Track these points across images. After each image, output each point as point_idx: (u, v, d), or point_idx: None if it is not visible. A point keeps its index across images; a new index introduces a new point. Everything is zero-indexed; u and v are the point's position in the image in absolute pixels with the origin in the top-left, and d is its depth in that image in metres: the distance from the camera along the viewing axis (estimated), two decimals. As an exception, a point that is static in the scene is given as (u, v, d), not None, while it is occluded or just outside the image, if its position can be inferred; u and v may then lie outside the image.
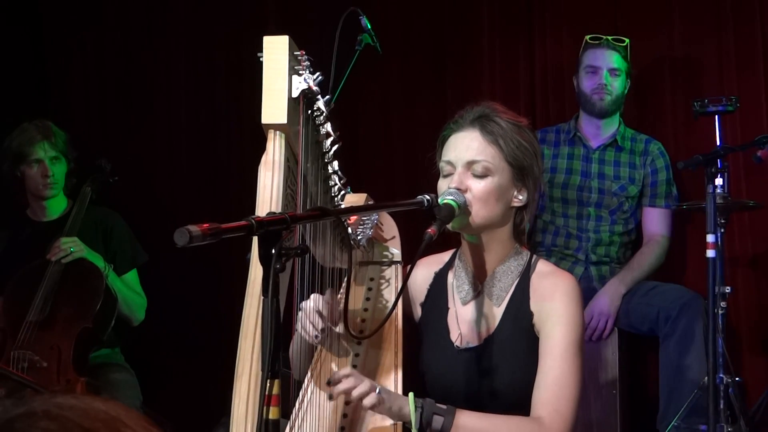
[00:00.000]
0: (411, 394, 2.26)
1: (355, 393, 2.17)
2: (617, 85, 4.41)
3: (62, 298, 4.05)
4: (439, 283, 2.62)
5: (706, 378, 3.73)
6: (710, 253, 3.75)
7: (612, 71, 4.39)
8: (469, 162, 2.41)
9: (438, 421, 2.24)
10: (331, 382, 2.20)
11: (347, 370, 2.23)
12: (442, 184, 2.45)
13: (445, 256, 2.66)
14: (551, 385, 2.35)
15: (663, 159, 4.45)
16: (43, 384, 3.64)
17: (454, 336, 2.51)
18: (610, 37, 4.43)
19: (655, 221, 4.44)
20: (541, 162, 2.53)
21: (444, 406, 2.27)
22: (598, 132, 4.51)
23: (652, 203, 4.45)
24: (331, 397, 2.24)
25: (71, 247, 4.12)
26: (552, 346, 2.39)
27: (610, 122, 4.50)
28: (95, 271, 4.12)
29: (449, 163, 2.45)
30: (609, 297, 4.22)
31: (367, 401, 2.18)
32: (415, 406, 2.23)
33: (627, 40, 4.42)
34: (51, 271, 4.06)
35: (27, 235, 4.40)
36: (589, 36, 4.49)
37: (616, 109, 4.47)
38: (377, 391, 2.18)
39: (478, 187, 2.40)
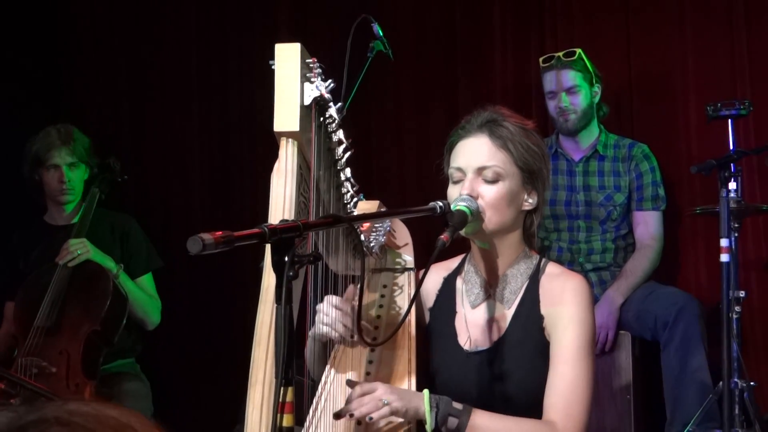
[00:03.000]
0: (426, 392, 2.25)
1: (357, 414, 2.17)
2: (579, 101, 4.41)
3: (70, 302, 4.03)
4: (447, 287, 2.62)
5: (721, 383, 3.72)
6: (724, 257, 3.74)
7: (569, 90, 4.40)
8: (480, 168, 2.41)
9: (453, 422, 2.24)
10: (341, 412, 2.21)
11: (358, 389, 2.22)
12: (453, 191, 2.45)
13: (454, 263, 2.66)
14: (563, 390, 2.35)
15: (647, 162, 4.44)
16: (54, 390, 3.64)
17: (462, 339, 2.51)
18: (561, 54, 4.42)
19: (645, 225, 4.44)
20: (549, 164, 2.53)
21: (460, 407, 2.27)
22: (576, 146, 4.52)
23: (640, 207, 4.45)
24: (337, 416, 2.23)
25: (78, 249, 4.12)
26: (563, 350, 2.38)
27: (586, 134, 4.50)
28: (102, 273, 4.10)
29: (459, 169, 2.44)
30: (606, 309, 4.22)
31: (376, 416, 2.18)
32: (431, 406, 2.23)
33: (578, 51, 4.40)
34: (58, 275, 4.05)
35: (43, 239, 4.39)
36: (541, 59, 4.51)
37: (587, 122, 4.46)
38: (385, 402, 2.18)
39: (489, 193, 2.39)
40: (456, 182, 2.45)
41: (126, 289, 4.19)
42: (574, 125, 4.43)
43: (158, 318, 4.44)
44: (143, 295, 4.36)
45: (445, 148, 2.52)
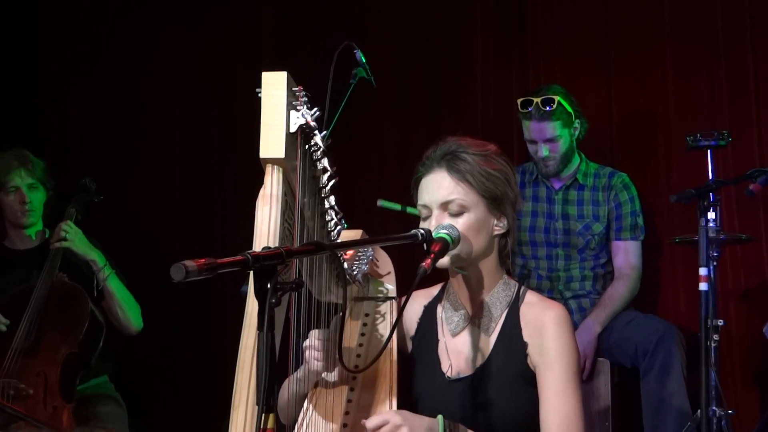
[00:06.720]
0: (440, 417, 2.28)
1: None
2: (559, 147, 4.37)
3: (47, 324, 4.00)
4: (428, 315, 2.63)
5: (699, 411, 3.74)
6: (702, 286, 3.77)
7: (547, 141, 4.36)
8: (443, 203, 2.43)
9: None
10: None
11: (373, 419, 2.23)
12: (423, 227, 2.46)
13: (435, 290, 2.67)
14: (559, 423, 2.36)
15: (627, 191, 4.45)
16: (32, 413, 3.62)
17: (444, 367, 2.52)
18: (539, 100, 4.29)
19: (623, 254, 4.44)
20: (515, 184, 2.52)
21: None
22: (557, 175, 4.52)
23: (618, 236, 4.45)
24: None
25: (68, 233, 4.14)
26: (553, 384, 2.39)
27: (568, 166, 4.49)
28: (80, 294, 4.08)
29: (425, 206, 2.47)
30: (584, 338, 4.21)
31: None
32: (444, 428, 2.26)
33: (557, 98, 4.29)
34: (36, 297, 4.01)
35: (4, 264, 4.35)
36: (519, 101, 4.39)
37: (567, 161, 4.44)
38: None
39: (456, 226, 2.41)
40: (425, 218, 2.47)
41: (112, 287, 4.19)
42: (554, 169, 4.43)
43: (141, 322, 4.37)
44: (128, 294, 4.32)
45: (411, 185, 2.54)
